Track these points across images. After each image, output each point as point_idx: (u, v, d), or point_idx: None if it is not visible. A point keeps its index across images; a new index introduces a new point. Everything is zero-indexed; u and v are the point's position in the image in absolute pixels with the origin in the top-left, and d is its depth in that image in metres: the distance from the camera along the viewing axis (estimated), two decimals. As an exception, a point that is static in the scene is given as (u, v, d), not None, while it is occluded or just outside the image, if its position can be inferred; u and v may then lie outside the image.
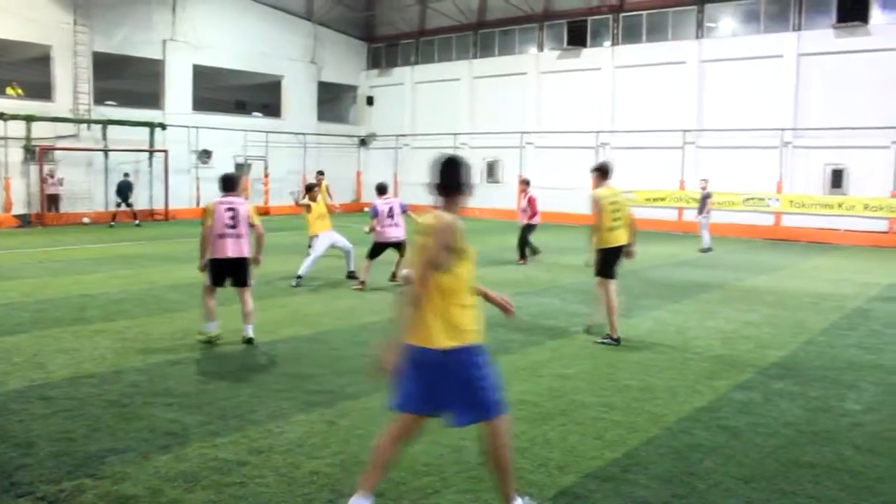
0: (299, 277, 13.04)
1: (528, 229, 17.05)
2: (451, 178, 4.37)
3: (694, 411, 6.40)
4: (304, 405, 6.35)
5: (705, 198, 20.49)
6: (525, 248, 17.07)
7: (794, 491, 4.83)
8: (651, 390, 7.02)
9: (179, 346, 8.50)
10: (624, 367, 7.93)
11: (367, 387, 6.90)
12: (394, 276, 13.30)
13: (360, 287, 12.73)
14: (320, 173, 17.30)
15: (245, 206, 8.67)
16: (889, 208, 23.69)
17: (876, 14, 24.70)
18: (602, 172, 9.23)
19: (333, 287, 12.86)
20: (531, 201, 16.99)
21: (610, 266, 9.14)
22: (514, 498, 4.28)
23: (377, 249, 13.14)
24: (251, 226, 8.61)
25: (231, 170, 31.71)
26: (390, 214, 13.07)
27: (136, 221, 25.90)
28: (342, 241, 13.97)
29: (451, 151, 34.83)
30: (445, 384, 4.06)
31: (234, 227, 8.43)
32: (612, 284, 9.07)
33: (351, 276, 13.68)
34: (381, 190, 13.58)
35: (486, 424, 4.20)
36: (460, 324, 4.06)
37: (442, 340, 4.00)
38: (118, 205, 25.94)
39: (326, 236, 13.86)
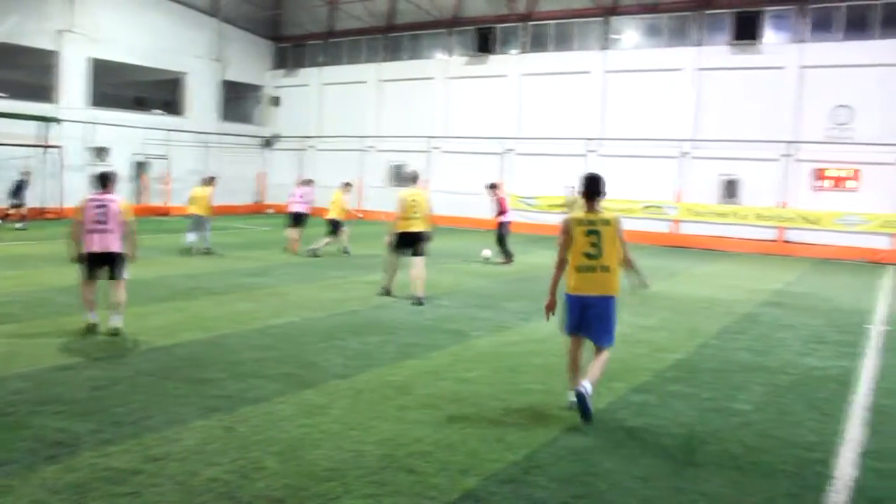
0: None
1: (503, 228, 18.19)
2: (598, 188, 6.55)
3: (593, 413, 6.53)
4: (203, 411, 6.19)
5: (572, 202, 21.48)
6: (505, 247, 18.05)
7: (688, 489, 4.99)
8: (551, 393, 7.13)
9: (70, 350, 8.15)
10: (525, 370, 8.04)
11: (268, 391, 6.79)
12: (290, 248, 18.43)
13: (292, 251, 18.25)
14: (347, 184, 19.76)
15: (116, 203, 8.94)
16: (778, 218, 24.84)
17: (768, 34, 25.92)
18: (409, 178, 12.75)
19: (231, 291, 12.59)
20: (501, 202, 18.30)
21: (401, 245, 12.16)
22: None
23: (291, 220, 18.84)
24: (124, 222, 8.93)
25: (132, 167, 30.93)
26: (300, 195, 19.02)
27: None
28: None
29: (358, 154, 34.64)
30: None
31: (102, 222, 8.76)
32: (394, 257, 12.36)
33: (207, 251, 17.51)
34: (305, 182, 20.12)
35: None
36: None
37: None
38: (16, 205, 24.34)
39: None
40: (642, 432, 6.10)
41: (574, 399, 6.32)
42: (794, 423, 6.50)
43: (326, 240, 18.12)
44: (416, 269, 12.01)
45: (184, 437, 5.55)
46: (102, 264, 8.94)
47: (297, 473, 4.98)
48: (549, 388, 7.30)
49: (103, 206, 8.81)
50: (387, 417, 6.21)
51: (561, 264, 6.61)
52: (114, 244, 8.85)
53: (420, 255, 12.08)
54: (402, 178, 12.67)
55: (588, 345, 6.72)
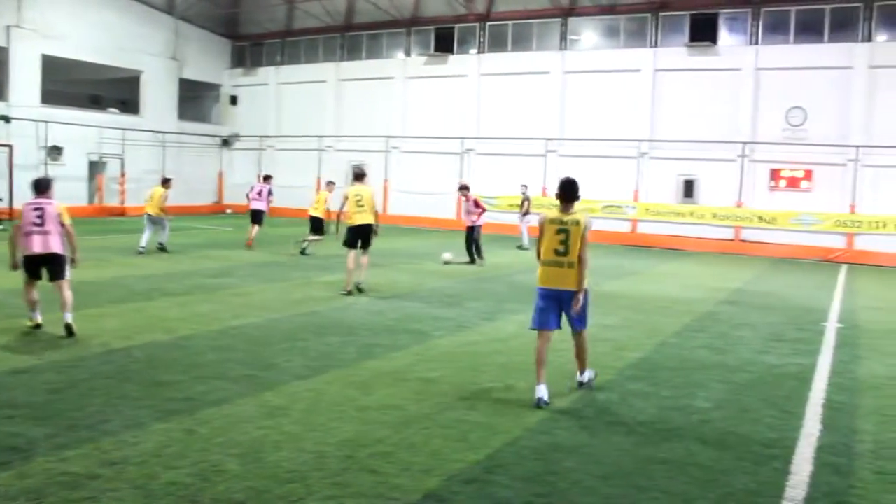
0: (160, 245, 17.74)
1: (473, 231, 17.96)
2: (574, 192, 7.02)
3: (555, 412, 6.56)
4: (162, 413, 6.09)
5: (525, 201, 22.80)
6: (472, 249, 17.89)
7: (649, 486, 5.03)
8: (513, 392, 7.15)
9: (25, 353, 7.97)
10: (487, 369, 8.05)
11: (229, 393, 6.71)
12: (249, 243, 19.30)
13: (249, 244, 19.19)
14: (331, 182, 19.66)
15: (53, 205, 9.09)
16: (735, 217, 25.23)
17: (724, 36, 26.35)
18: (355, 176, 13.16)
19: (191, 292, 12.43)
20: (477, 203, 18.21)
21: (352, 238, 12.68)
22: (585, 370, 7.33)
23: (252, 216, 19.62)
24: (62, 225, 9.05)
25: (88, 167, 30.40)
26: (259, 193, 19.70)
27: None
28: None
29: (317, 154, 34.34)
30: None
31: (40, 224, 8.90)
32: (352, 252, 12.66)
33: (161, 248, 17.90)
34: (264, 178, 21.16)
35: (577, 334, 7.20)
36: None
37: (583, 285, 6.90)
38: None
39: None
40: (604, 431, 6.14)
41: (541, 395, 6.77)
42: (753, 420, 6.59)
43: (311, 237, 18.35)
44: (362, 259, 12.85)
45: (143, 441, 5.46)
46: (43, 265, 9.02)
47: (258, 475, 4.92)
48: (512, 388, 7.32)
49: (40, 208, 8.97)
50: (348, 418, 6.17)
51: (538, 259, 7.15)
52: (54, 245, 8.96)
53: (367, 247, 12.88)
54: (352, 175, 13.46)
55: (558, 344, 6.98)
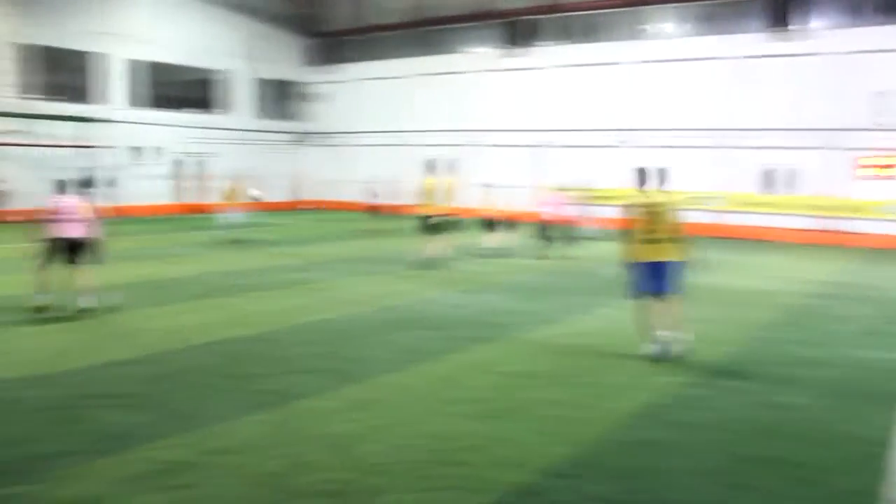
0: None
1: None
2: (646, 177, 8.17)
3: (645, 407, 6.44)
4: (252, 406, 6.21)
5: (584, 192, 22.79)
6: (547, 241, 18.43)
7: (745, 484, 4.89)
8: (603, 387, 7.05)
9: (118, 347, 8.24)
10: (575, 363, 7.96)
11: (316, 387, 6.80)
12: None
13: None
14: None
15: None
16: (824, 207, 24.26)
17: (806, 20, 25.40)
18: (428, 168, 15.27)
19: (274, 287, 12.64)
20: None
21: (422, 225, 15.09)
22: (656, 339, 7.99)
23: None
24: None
25: (173, 166, 31.39)
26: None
27: None
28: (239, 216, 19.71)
29: (394, 148, 34.43)
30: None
31: None
32: (424, 237, 15.05)
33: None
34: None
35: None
36: None
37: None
38: None
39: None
40: (697, 427, 5.98)
41: (649, 350, 8.07)
42: (850, 417, 6.35)
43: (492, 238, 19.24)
44: (437, 243, 14.99)
45: (235, 431, 5.58)
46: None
47: (347, 467, 4.97)
48: (600, 381, 7.21)
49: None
50: (435, 411, 6.18)
51: (629, 239, 8.12)
52: None
53: (442, 233, 14.96)
54: (426, 167, 15.32)
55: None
